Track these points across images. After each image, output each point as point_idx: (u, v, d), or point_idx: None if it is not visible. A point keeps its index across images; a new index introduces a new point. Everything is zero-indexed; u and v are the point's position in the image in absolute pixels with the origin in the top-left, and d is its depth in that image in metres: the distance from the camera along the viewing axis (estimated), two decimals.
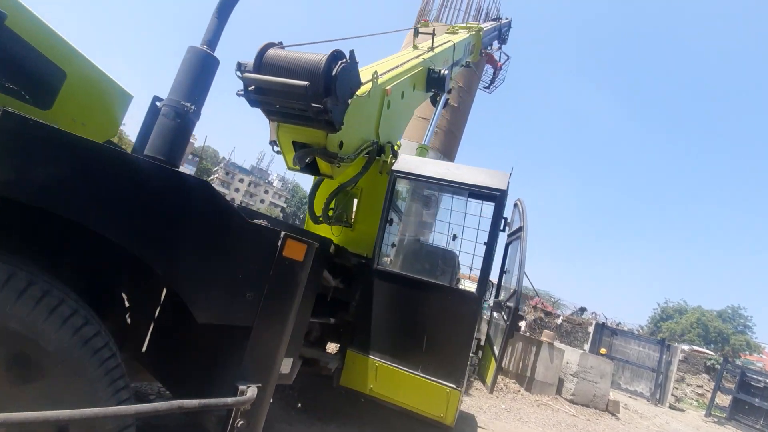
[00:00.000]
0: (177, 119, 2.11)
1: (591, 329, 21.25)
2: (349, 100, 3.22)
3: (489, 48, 13.72)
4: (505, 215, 4.10)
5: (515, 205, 4.32)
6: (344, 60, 2.90)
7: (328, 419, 4.09)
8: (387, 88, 4.09)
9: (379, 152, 4.15)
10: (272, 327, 1.74)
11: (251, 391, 1.51)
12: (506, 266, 4.44)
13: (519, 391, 10.91)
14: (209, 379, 1.71)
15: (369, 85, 3.69)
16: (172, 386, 2.05)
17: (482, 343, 4.80)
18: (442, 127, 15.17)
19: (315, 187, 3.88)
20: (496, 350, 4.18)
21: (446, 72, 5.48)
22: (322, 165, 3.31)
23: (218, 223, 1.46)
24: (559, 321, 26.09)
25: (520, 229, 3.94)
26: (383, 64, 4.69)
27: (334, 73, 2.81)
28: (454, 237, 3.97)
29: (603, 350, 19.01)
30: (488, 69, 18.53)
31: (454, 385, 3.61)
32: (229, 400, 1.44)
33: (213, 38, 2.39)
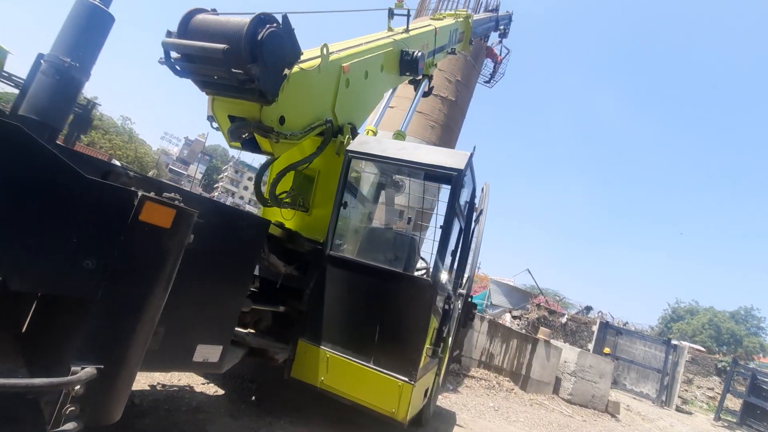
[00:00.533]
0: (56, 76, 1.93)
1: (595, 328, 20.75)
2: (288, 71, 3.02)
3: (486, 40, 13.43)
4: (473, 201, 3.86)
5: (482, 189, 4.07)
6: (274, 25, 2.69)
7: (280, 414, 3.89)
8: (344, 65, 3.87)
9: (337, 133, 3.94)
10: (124, 301, 1.54)
11: (85, 373, 1.31)
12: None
13: (513, 389, 10.61)
14: (51, 357, 1.52)
15: (318, 60, 3.48)
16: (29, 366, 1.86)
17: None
18: (439, 121, 14.89)
19: (264, 167, 3.68)
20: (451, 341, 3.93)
21: (419, 54, 5.23)
22: (262, 141, 3.11)
23: (37, 176, 1.27)
24: (563, 320, 25.63)
25: (480, 212, 3.69)
26: (347, 42, 4.48)
27: (260, 37, 2.60)
28: (409, 221, 3.73)
29: (607, 350, 18.54)
30: (488, 63, 18.20)
31: (406, 379, 3.38)
32: (55, 380, 1.25)
33: None
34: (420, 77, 6.01)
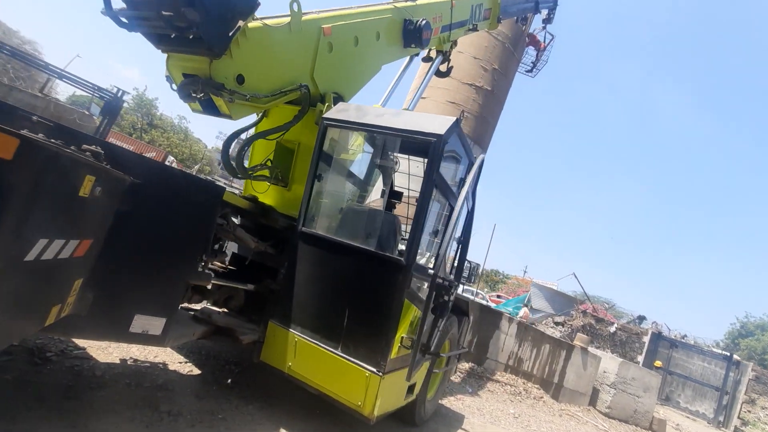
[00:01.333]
0: None
1: (646, 339, 18.99)
2: (242, 24, 2.77)
3: (526, 25, 12.58)
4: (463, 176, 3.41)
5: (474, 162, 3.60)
6: None
7: (251, 398, 3.67)
8: (324, 26, 3.57)
9: (317, 102, 3.65)
10: None
11: None
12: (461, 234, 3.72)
13: (542, 397, 9.81)
14: None
15: (288, 18, 3.20)
16: None
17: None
18: (474, 112, 14.21)
19: (234, 135, 3.47)
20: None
21: (423, 22, 4.81)
22: (218, 102, 2.88)
23: None
24: (612, 329, 23.73)
25: (464, 185, 3.22)
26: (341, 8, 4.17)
27: None
28: (382, 193, 3.36)
29: (658, 363, 16.90)
30: (530, 51, 17.16)
31: (374, 369, 3.01)
32: None
33: None
34: (425, 50, 5.57)
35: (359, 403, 3.05)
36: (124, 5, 2.53)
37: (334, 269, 3.29)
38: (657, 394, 11.82)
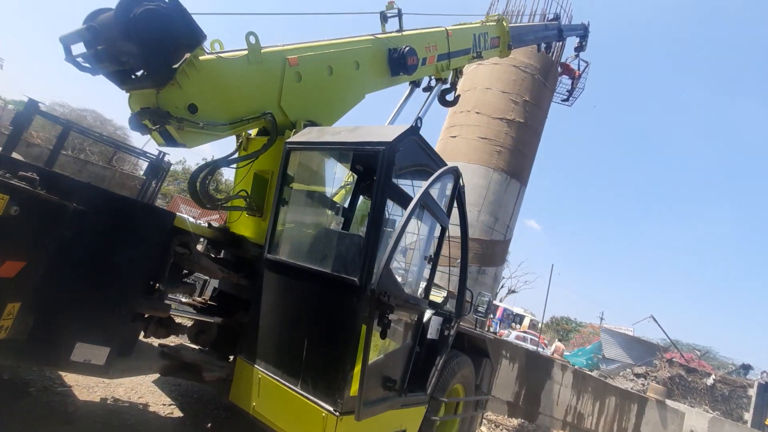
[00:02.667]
0: None
1: (753, 392, 15.79)
2: (190, 56, 2.89)
3: (555, 54, 12.36)
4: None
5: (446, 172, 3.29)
6: (152, 4, 2.60)
7: None
8: (290, 57, 3.66)
9: (286, 130, 3.66)
10: None
11: None
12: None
13: None
14: None
15: (246, 51, 3.33)
16: None
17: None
18: (507, 145, 13.84)
19: (203, 167, 3.51)
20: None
21: (407, 49, 4.81)
22: (172, 131, 2.96)
23: None
24: (710, 381, 20.15)
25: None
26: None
27: (132, 15, 2.52)
28: (338, 211, 3.14)
29: None
30: (564, 80, 16.72)
31: (330, 408, 2.64)
32: None
33: None
34: (421, 78, 5.53)
35: None
36: (83, 50, 2.77)
37: (295, 296, 3.07)
38: None
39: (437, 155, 3.31)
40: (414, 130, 2.96)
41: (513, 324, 37.46)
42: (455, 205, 3.76)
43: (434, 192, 3.42)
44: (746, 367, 22.35)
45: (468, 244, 4.03)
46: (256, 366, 3.14)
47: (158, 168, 9.07)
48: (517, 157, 13.96)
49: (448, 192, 3.39)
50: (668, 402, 9.60)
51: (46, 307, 2.43)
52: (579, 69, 16.46)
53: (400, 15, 5.18)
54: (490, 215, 13.32)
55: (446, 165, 3.26)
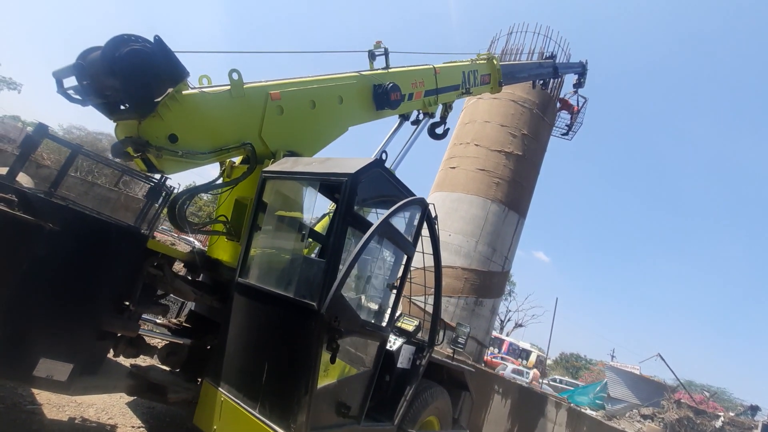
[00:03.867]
0: None
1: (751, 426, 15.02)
2: (172, 91, 3.12)
3: (552, 90, 12.70)
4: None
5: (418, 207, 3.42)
6: (138, 44, 2.85)
7: None
8: (272, 92, 3.90)
9: (265, 159, 3.85)
10: None
11: None
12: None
13: None
14: None
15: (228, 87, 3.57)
16: None
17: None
18: (505, 177, 14.02)
19: (183, 193, 3.68)
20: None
21: (390, 85, 5.06)
22: (152, 159, 3.16)
23: None
24: (718, 424, 19.24)
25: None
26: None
27: (117, 54, 2.77)
28: (303, 238, 3.25)
29: None
30: (562, 115, 17.06)
31: (283, 431, 2.67)
32: None
33: None
34: (407, 112, 5.75)
35: None
36: (75, 82, 3.02)
37: (261, 320, 3.14)
38: None
39: (405, 187, 3.45)
40: (378, 163, 3.12)
41: (519, 359, 36.44)
42: (429, 235, 3.87)
43: (401, 222, 3.54)
44: (754, 408, 21.35)
45: (441, 274, 4.10)
46: (220, 389, 3.18)
47: (158, 192, 9.32)
48: (515, 188, 14.09)
49: (416, 222, 3.49)
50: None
51: (14, 323, 2.54)
52: (578, 104, 16.85)
53: (386, 53, 5.47)
54: (487, 246, 13.32)
55: (414, 196, 3.39)
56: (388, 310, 3.20)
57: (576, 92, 16.13)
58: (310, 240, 4.11)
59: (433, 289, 4.19)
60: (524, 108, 14.67)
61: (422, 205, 3.45)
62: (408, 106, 5.90)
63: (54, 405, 3.74)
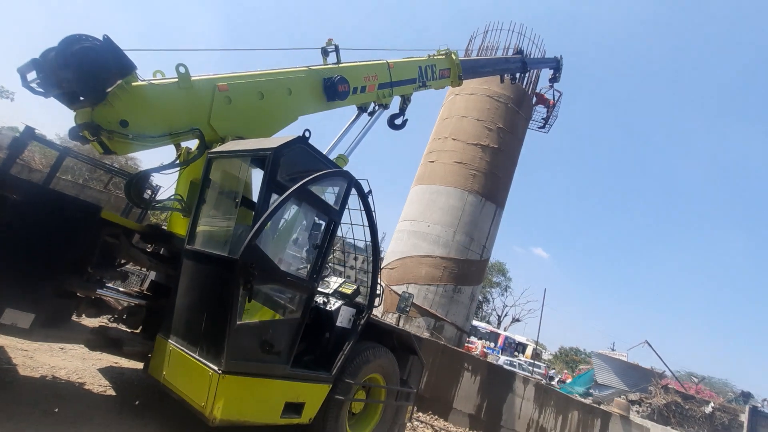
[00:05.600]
0: None
1: (744, 417, 15.40)
2: (121, 82, 3.61)
3: (513, 81, 13.25)
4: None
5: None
6: (88, 42, 3.34)
7: (144, 416, 3.85)
8: (219, 84, 4.38)
9: (214, 143, 4.33)
10: None
11: None
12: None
13: None
14: None
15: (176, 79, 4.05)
16: None
17: None
18: (481, 169, 14.50)
19: (141, 173, 4.15)
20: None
21: (337, 78, 5.54)
22: (105, 141, 3.64)
23: None
24: (708, 409, 19.62)
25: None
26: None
27: (69, 51, 3.25)
28: (236, 205, 3.72)
29: None
30: (539, 108, 17.53)
31: (215, 367, 3.12)
32: None
33: None
34: (351, 102, 6.22)
35: (202, 403, 3.12)
36: (36, 77, 3.49)
37: (202, 278, 3.60)
38: None
39: (331, 162, 3.93)
40: (301, 139, 3.59)
41: (516, 353, 36.80)
42: (362, 207, 4.34)
43: (330, 195, 4.02)
44: (746, 395, 21.70)
45: (378, 242, 4.55)
46: (169, 340, 3.65)
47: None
48: (491, 180, 14.56)
49: (343, 193, 3.95)
50: (632, 417, 9.59)
51: None
52: (554, 98, 17.34)
53: (337, 50, 5.95)
54: (465, 235, 13.78)
55: (332, 165, 3.88)
56: (314, 267, 3.65)
57: (552, 87, 16.65)
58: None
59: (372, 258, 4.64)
60: (499, 103, 15.16)
61: (347, 177, 3.92)
62: (361, 98, 6.38)
63: (28, 366, 4.20)
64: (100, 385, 4.33)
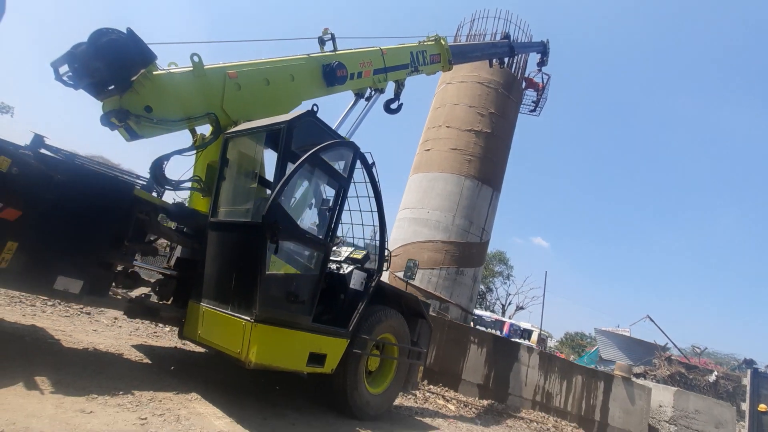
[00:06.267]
0: None
1: (746, 381, 15.85)
2: (145, 71, 3.97)
3: (501, 65, 13.59)
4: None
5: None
6: (114, 35, 3.71)
7: (179, 381, 4.22)
8: (229, 72, 4.75)
9: (227, 127, 4.69)
10: None
11: None
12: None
13: None
14: None
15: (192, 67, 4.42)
16: None
17: None
18: (476, 154, 14.87)
19: (163, 157, 4.50)
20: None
21: (335, 63, 5.91)
22: (133, 125, 4.01)
23: None
24: (712, 378, 20.10)
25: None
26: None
27: (99, 43, 3.62)
28: (255, 176, 4.11)
29: (762, 407, 13.97)
30: (529, 93, 17.91)
31: (247, 317, 3.50)
32: None
33: None
34: (349, 87, 6.58)
35: (238, 350, 3.50)
36: (68, 70, 3.85)
37: (228, 244, 3.98)
38: (735, 429, 9.74)
39: (337, 134, 4.30)
40: (310, 113, 3.97)
41: (522, 339, 37.22)
42: (366, 178, 4.72)
43: (339, 164, 4.39)
44: (749, 362, 22.18)
45: (383, 209, 4.93)
46: (201, 303, 4.02)
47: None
48: (487, 164, 14.95)
49: (350, 161, 4.32)
50: (634, 379, 10.02)
51: (37, 248, 3.37)
52: (543, 82, 17.73)
53: (333, 38, 6.32)
54: (464, 219, 14.17)
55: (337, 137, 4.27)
56: (328, 228, 4.02)
57: (540, 70, 17.05)
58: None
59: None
60: (490, 88, 15.54)
61: (353, 147, 4.30)
62: (358, 83, 6.76)
63: (69, 342, 4.57)
64: (136, 356, 4.70)
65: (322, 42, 6.35)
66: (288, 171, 3.72)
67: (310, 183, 4.67)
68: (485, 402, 9.08)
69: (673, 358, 21.38)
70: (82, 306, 6.30)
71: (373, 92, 7.34)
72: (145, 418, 3.01)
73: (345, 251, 5.17)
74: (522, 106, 17.50)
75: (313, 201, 4.66)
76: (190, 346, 5.95)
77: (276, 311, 3.57)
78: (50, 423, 2.57)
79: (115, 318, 6.57)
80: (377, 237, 5.04)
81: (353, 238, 5.40)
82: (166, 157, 4.41)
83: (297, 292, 3.67)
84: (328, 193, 4.55)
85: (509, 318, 45.18)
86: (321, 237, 3.99)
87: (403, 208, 15.45)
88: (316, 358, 4.08)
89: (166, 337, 6.36)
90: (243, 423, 3.44)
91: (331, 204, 4.15)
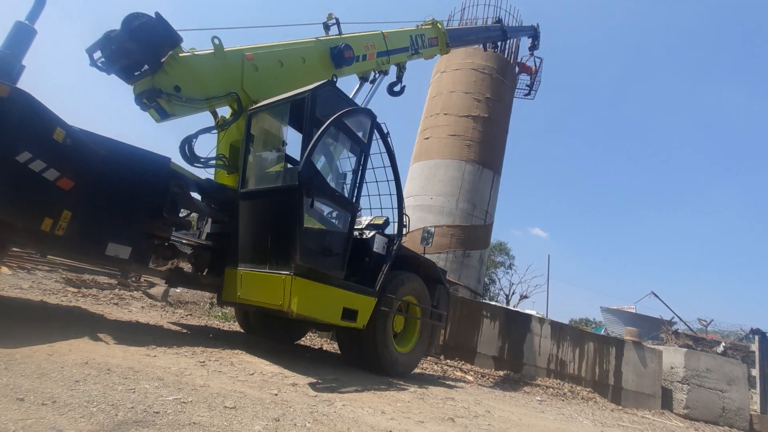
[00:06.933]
0: None
1: (755, 347, 16.13)
2: (173, 53, 4.23)
3: (494, 49, 13.88)
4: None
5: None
6: (145, 18, 3.97)
7: (224, 343, 4.47)
8: (247, 53, 5.01)
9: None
10: None
11: None
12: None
13: (592, 398, 8.96)
14: None
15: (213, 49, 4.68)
16: None
17: None
18: (475, 139, 15.17)
19: (192, 135, 4.75)
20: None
21: (343, 45, 6.18)
22: (164, 105, 4.26)
23: None
24: (720, 349, 20.39)
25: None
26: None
27: (132, 26, 3.87)
28: (282, 143, 4.37)
29: None
30: (523, 77, 18.22)
31: (286, 272, 3.76)
32: None
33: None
34: (357, 69, 6.84)
35: (280, 302, 3.75)
36: (101, 56, 4.10)
37: (262, 209, 4.24)
38: (747, 386, 10.03)
39: (354, 102, 4.57)
40: (330, 83, 4.24)
41: None
42: (382, 144, 4.99)
43: (359, 131, 4.65)
44: (756, 332, 22.45)
45: (399, 176, 5.20)
46: (238, 267, 4.28)
47: None
48: (486, 148, 15.25)
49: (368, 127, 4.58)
50: (647, 343, 10.29)
51: (89, 217, 3.61)
52: (535, 65, 18.05)
53: (338, 23, 6.59)
54: (468, 203, 14.45)
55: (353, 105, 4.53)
56: (353, 190, 4.29)
57: (532, 54, 17.37)
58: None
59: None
60: (484, 74, 15.85)
61: (371, 115, 4.56)
62: (363, 65, 7.02)
63: (113, 317, 4.82)
64: (176, 328, 4.95)
65: (326, 27, 6.60)
66: (312, 136, 3.98)
67: (335, 148, 4.93)
68: (501, 372, 9.33)
69: (680, 332, 21.67)
70: (111, 296, 6.56)
71: (377, 75, 7.60)
72: (203, 362, 3.26)
73: (365, 220, 5.43)
74: (516, 90, 17.81)
75: (339, 165, 4.92)
76: (222, 324, 6.20)
77: (314, 262, 3.81)
78: (123, 360, 2.82)
79: (143, 306, 6.82)
80: (394, 204, 5.30)
81: (370, 208, 5.65)
82: (194, 136, 4.67)
83: (330, 247, 3.92)
84: (350, 161, 4.82)
85: (514, 307, 45.49)
86: (347, 196, 4.26)
87: (406, 196, 15.73)
88: (349, 314, 4.33)
89: (195, 321, 6.61)
90: (289, 368, 3.70)
91: (353, 167, 4.41)
